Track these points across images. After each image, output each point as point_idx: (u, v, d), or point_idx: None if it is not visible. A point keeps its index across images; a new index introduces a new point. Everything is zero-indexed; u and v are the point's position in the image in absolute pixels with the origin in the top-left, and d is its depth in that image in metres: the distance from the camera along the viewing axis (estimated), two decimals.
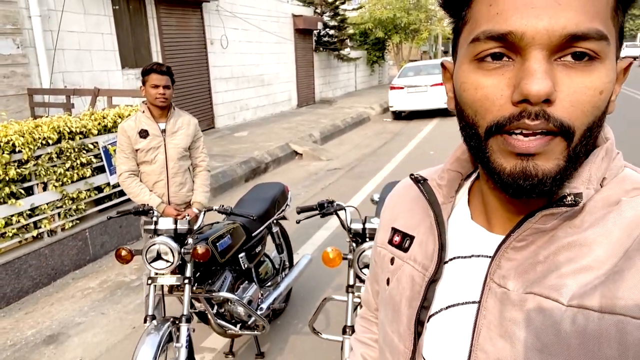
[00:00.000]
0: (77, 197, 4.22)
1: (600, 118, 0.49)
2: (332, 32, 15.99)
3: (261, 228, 2.88)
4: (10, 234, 3.67)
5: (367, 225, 1.98)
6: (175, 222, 2.19)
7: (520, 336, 0.50)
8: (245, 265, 2.70)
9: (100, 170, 4.48)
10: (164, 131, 2.87)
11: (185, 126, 2.95)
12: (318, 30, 15.08)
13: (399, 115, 12.42)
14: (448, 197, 0.64)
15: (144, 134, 2.84)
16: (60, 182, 4.03)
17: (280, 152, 7.98)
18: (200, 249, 2.13)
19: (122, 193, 4.72)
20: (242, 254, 2.69)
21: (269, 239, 3.16)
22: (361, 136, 10.40)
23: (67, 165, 4.09)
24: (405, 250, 0.67)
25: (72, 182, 4.16)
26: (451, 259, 0.61)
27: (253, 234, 2.80)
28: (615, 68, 0.49)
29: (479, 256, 0.58)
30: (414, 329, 0.62)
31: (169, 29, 8.73)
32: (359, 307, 2.25)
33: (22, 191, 3.75)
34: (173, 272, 2.18)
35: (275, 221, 3.12)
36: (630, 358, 0.44)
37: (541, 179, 0.47)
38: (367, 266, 1.92)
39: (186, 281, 2.19)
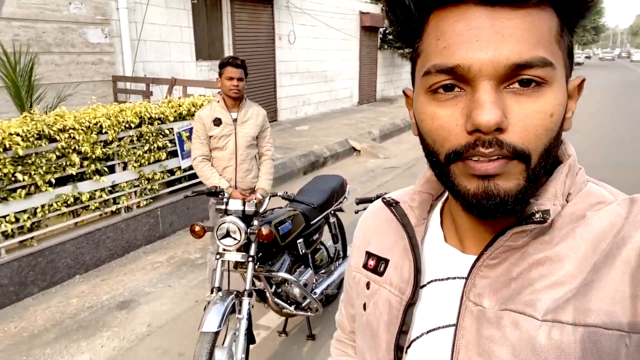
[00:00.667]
0: (152, 178, 4.57)
1: (556, 138, 0.50)
2: None
3: (319, 217, 3.03)
4: (93, 207, 4.07)
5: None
6: (244, 204, 2.38)
7: (498, 353, 0.51)
8: (303, 251, 2.86)
9: (173, 154, 4.82)
10: (235, 120, 3.08)
11: (254, 116, 3.15)
12: (384, 28, 15.04)
13: None
14: (420, 219, 0.65)
15: (217, 122, 3.07)
16: (139, 163, 4.40)
17: (339, 148, 8.12)
18: (265, 230, 2.31)
19: (191, 177, 5.06)
20: (301, 240, 2.85)
21: (325, 228, 3.31)
22: None
23: (145, 148, 4.45)
24: (381, 274, 0.67)
25: (149, 163, 4.51)
26: (428, 282, 0.61)
27: (312, 222, 2.95)
28: (565, 89, 0.51)
29: (455, 278, 0.59)
30: (394, 354, 0.61)
31: (241, 24, 9.11)
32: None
33: (106, 169, 4.14)
34: (239, 250, 2.38)
35: (332, 212, 3.26)
36: None
37: (503, 198, 0.49)
38: None
39: (250, 259, 2.38)
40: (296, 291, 2.64)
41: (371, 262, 0.69)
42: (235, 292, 2.31)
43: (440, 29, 0.50)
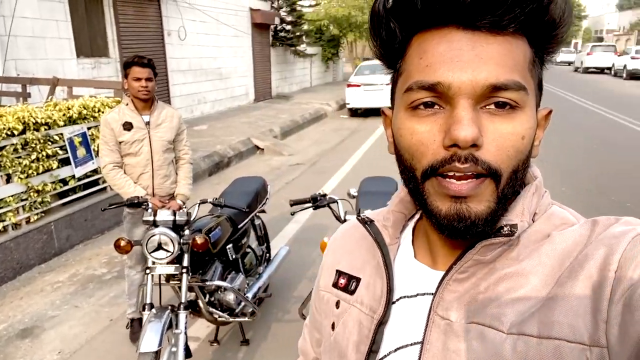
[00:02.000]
0: (43, 190, 4.11)
1: (524, 161, 0.53)
2: (288, 27, 16.05)
3: (246, 220, 2.99)
4: None
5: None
6: (174, 214, 2.26)
7: None
8: (233, 256, 2.81)
9: (65, 162, 4.37)
10: (148, 123, 2.91)
11: (169, 119, 3.00)
12: (275, 25, 15.09)
13: (355, 112, 12.73)
14: (394, 238, 0.66)
15: (128, 126, 2.86)
16: (25, 174, 3.92)
17: (242, 147, 8.02)
18: (200, 239, 2.22)
19: (88, 185, 4.65)
20: (230, 245, 2.80)
21: (252, 231, 3.28)
22: (320, 132, 10.60)
23: (32, 157, 3.98)
24: (352, 292, 0.66)
25: (38, 174, 4.05)
26: (397, 299, 0.61)
27: (239, 226, 2.90)
28: (536, 116, 0.54)
29: (424, 294, 0.59)
30: None
31: (126, 18, 8.50)
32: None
33: None
34: (171, 262, 2.26)
35: (257, 214, 3.24)
36: None
37: (474, 221, 0.51)
38: None
39: (184, 270, 2.27)
40: (230, 298, 2.59)
41: (342, 281, 0.69)
42: (170, 307, 2.20)
43: (422, 49, 0.52)
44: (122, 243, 2.21)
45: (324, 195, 2.28)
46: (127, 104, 2.88)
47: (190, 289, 2.49)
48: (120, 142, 2.86)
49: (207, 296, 2.57)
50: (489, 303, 0.53)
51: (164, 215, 2.26)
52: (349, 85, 12.38)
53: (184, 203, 3.03)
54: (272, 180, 6.67)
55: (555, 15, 0.50)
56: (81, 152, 4.51)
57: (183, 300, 2.24)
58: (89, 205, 4.65)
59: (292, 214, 2.29)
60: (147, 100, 2.88)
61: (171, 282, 2.35)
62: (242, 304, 2.64)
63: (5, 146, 3.75)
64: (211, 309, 2.53)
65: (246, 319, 2.67)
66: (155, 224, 2.25)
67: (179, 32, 10.06)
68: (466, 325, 0.53)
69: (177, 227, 2.28)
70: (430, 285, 0.59)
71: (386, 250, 0.64)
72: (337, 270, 0.71)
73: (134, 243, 2.24)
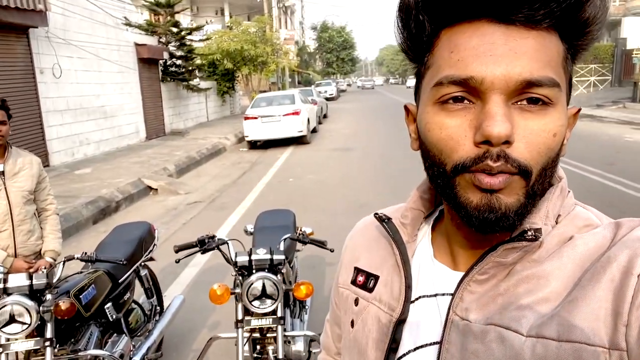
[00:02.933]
0: None
1: (554, 159, 0.52)
2: (179, 62, 15.62)
3: (128, 273, 2.65)
4: None
5: (254, 257, 1.97)
6: (31, 277, 1.89)
7: None
8: (113, 317, 2.45)
9: None
10: (2, 173, 2.49)
11: (27, 166, 2.61)
12: (164, 60, 14.59)
13: (254, 145, 12.59)
14: (412, 236, 0.66)
15: None
16: None
17: (133, 189, 7.44)
18: (64, 305, 1.88)
19: None
20: (109, 304, 2.43)
21: (137, 284, 2.92)
22: (219, 167, 10.27)
23: None
24: (370, 290, 0.67)
25: None
26: (416, 299, 0.61)
27: (120, 280, 2.56)
28: (567, 114, 0.53)
29: (443, 294, 0.59)
30: None
31: None
32: (289, 342, 2.17)
33: None
34: (30, 335, 1.88)
35: (142, 264, 2.90)
36: None
37: (504, 212, 0.50)
38: (256, 298, 1.91)
39: (47, 343, 1.89)
40: None
41: (360, 278, 0.69)
42: None
43: (453, 43, 0.51)
44: None
45: (212, 236, 2.08)
46: None
47: None
48: None
49: None
50: (508, 305, 0.52)
51: (18, 280, 1.88)
52: (246, 118, 12.26)
53: (54, 260, 2.62)
54: (168, 222, 6.23)
55: (590, 12, 0.49)
56: None
57: None
58: None
59: (177, 261, 2.05)
60: (1, 146, 2.48)
61: (32, 359, 1.95)
62: None
63: None
64: None
65: None
66: (6, 291, 1.87)
67: (53, 69, 9.24)
68: (485, 326, 0.52)
69: (35, 293, 1.91)
70: (450, 285, 0.58)
71: (404, 249, 0.63)
72: (356, 268, 0.70)
73: None
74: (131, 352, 2.52)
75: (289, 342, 2.24)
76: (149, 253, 2.91)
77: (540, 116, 0.49)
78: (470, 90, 0.50)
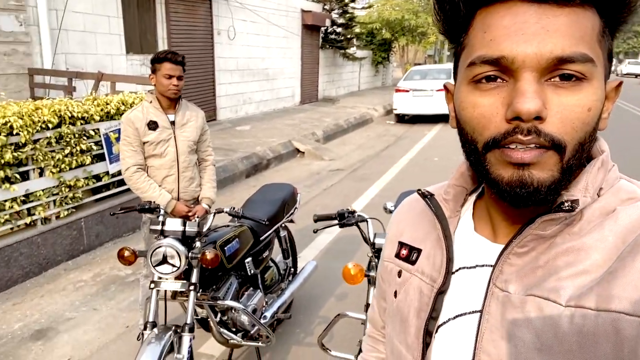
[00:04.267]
0: (75, 185, 4.05)
1: (591, 133, 0.52)
2: (339, 29, 15.83)
3: (269, 232, 2.74)
4: (2, 220, 3.51)
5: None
6: (184, 224, 2.04)
7: (521, 336, 0.52)
8: (252, 271, 2.56)
9: (99, 158, 4.31)
10: (173, 123, 2.72)
11: (194, 118, 2.81)
12: (325, 27, 14.91)
13: (402, 119, 12.30)
14: (454, 211, 0.67)
15: (153, 125, 2.68)
16: (58, 169, 3.87)
17: (283, 149, 7.84)
18: (210, 255, 1.98)
19: (121, 182, 4.56)
20: (249, 259, 2.55)
21: (275, 243, 3.02)
22: (364, 137, 10.27)
23: (66, 151, 3.92)
24: (413, 262, 0.69)
25: (70, 169, 3.99)
26: (457, 270, 0.63)
27: (261, 238, 2.65)
28: (604, 87, 0.53)
29: (482, 266, 0.60)
30: (422, 339, 0.63)
31: (177, 16, 8.55)
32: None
33: (18, 176, 3.59)
34: (178, 277, 2.03)
35: (283, 225, 2.97)
36: (625, 353, 0.47)
37: (536, 187, 0.51)
38: None
39: (191, 287, 2.04)
40: (244, 319, 2.34)
41: (404, 252, 0.72)
42: (173, 328, 1.97)
43: (486, 23, 0.52)
44: (126, 253, 2.00)
45: (353, 212, 1.99)
46: (151, 102, 2.70)
47: (200, 305, 2.26)
48: (144, 143, 2.68)
49: (219, 315, 2.33)
50: (548, 277, 0.53)
51: (173, 224, 2.03)
52: (397, 90, 11.97)
53: (209, 207, 2.82)
54: (310, 185, 6.43)
55: None
56: (117, 148, 4.43)
57: (188, 321, 2.00)
58: (122, 202, 4.57)
59: (315, 231, 2.01)
60: (175, 99, 2.70)
61: (178, 298, 2.12)
62: (257, 327, 2.38)
63: (39, 139, 3.71)
64: (222, 330, 2.29)
65: (260, 343, 2.40)
66: (163, 233, 2.03)
67: (228, 31, 10.05)
68: (524, 297, 0.53)
69: (186, 239, 2.05)
70: (490, 257, 0.60)
71: (445, 224, 0.66)
72: (400, 242, 0.73)
73: (138, 254, 2.03)
74: (263, 308, 2.62)
75: None
76: (289, 215, 2.97)
77: (574, 92, 0.50)
78: (503, 69, 0.51)
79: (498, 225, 0.61)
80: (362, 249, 4.22)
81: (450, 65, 13.98)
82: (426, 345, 0.63)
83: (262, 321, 2.47)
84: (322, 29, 14.86)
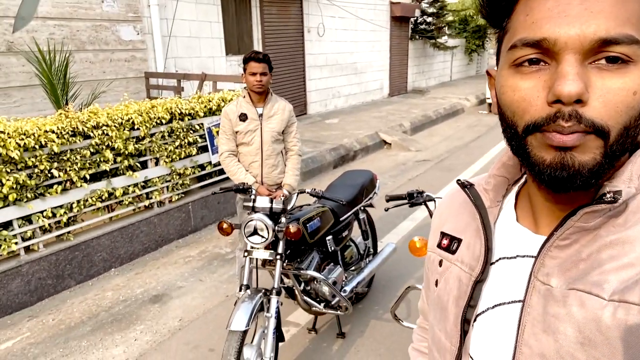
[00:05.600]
0: (183, 173, 4.63)
1: (637, 118, 0.50)
2: (429, 19, 15.52)
3: (349, 213, 2.97)
4: (127, 202, 4.15)
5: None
6: (271, 202, 2.35)
7: (563, 330, 0.52)
8: (332, 248, 2.82)
9: (203, 149, 4.85)
10: (261, 115, 3.06)
11: (280, 111, 3.12)
12: (415, 18, 14.73)
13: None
14: (494, 201, 0.67)
15: (243, 117, 3.05)
16: (170, 159, 4.45)
17: (369, 141, 8.02)
18: (293, 228, 2.27)
19: (221, 171, 5.09)
20: (330, 237, 2.81)
21: (355, 225, 3.25)
22: (453, 128, 10.09)
23: (177, 143, 4.50)
24: (453, 252, 0.70)
25: (180, 159, 4.57)
26: (497, 260, 0.63)
27: (341, 219, 2.90)
28: None
29: (524, 256, 0.60)
30: (461, 326, 0.65)
31: (270, 17, 9.09)
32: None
33: (138, 165, 4.21)
34: (267, 248, 2.35)
35: (362, 208, 3.20)
36: None
37: (578, 169, 0.50)
38: None
39: (278, 257, 2.35)
40: (325, 289, 2.61)
41: (445, 242, 0.73)
42: (263, 290, 2.30)
43: (529, 6, 0.52)
44: (224, 225, 2.36)
45: (421, 192, 2.15)
46: (244, 97, 3.07)
47: (287, 275, 2.56)
48: (236, 132, 3.06)
49: (303, 285, 2.62)
50: (591, 270, 0.52)
51: (262, 202, 2.36)
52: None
53: (289, 193, 3.13)
54: (396, 175, 6.56)
55: None
56: (218, 140, 4.96)
57: (275, 286, 2.31)
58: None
59: (387, 209, 2.20)
60: (261, 93, 3.04)
61: (267, 266, 2.44)
62: (337, 297, 2.64)
63: (155, 133, 4.30)
64: (306, 298, 2.58)
65: (339, 312, 2.65)
66: (254, 209, 2.36)
67: (318, 28, 10.43)
68: (566, 291, 0.53)
69: (274, 215, 2.36)
70: (531, 248, 0.59)
71: (485, 213, 0.66)
72: (442, 232, 0.74)
73: (234, 226, 2.38)
74: (343, 282, 2.87)
75: None
76: (368, 199, 3.18)
77: (619, 75, 0.48)
78: (545, 52, 0.50)
79: (540, 215, 0.61)
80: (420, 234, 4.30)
81: None
82: (464, 333, 0.64)
83: (342, 293, 2.72)
84: (412, 19, 14.70)
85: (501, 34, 0.58)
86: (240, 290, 2.35)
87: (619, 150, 0.50)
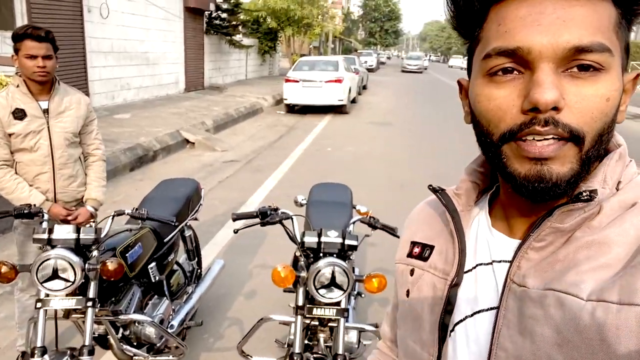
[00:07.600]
0: None
1: (610, 125, 0.51)
2: (224, 15, 15.27)
3: (174, 232, 2.49)
4: None
5: (324, 239, 1.74)
6: (78, 231, 1.72)
7: (540, 332, 0.51)
8: (156, 278, 2.30)
9: None
10: (46, 111, 2.31)
11: (75, 106, 2.43)
12: (210, 12, 14.28)
13: (292, 109, 12.31)
14: (466, 206, 0.66)
15: (19, 114, 2.26)
16: None
17: (170, 140, 7.33)
18: (112, 265, 1.71)
19: None
20: (153, 264, 2.28)
21: (180, 244, 2.77)
22: (255, 127, 10.07)
23: None
24: (425, 259, 0.68)
25: None
26: (473, 267, 0.62)
27: (165, 240, 2.40)
28: (621, 78, 0.52)
29: (499, 262, 0.59)
30: (438, 334, 0.62)
31: None
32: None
33: None
34: (71, 293, 1.73)
35: (188, 224, 2.73)
36: None
37: (555, 182, 0.50)
38: (323, 287, 1.69)
39: (89, 304, 1.75)
40: (150, 331, 2.09)
41: (416, 250, 0.71)
42: (69, 352, 1.68)
43: (501, 16, 0.52)
44: (3, 269, 1.64)
45: (275, 209, 1.86)
46: (18, 86, 2.27)
47: (99, 322, 1.96)
48: (10, 135, 2.24)
49: (121, 330, 2.05)
50: (567, 271, 0.51)
51: (64, 232, 1.71)
52: (287, 80, 11.93)
53: (96, 210, 2.46)
54: (204, 177, 6.11)
55: None
56: None
57: (87, 343, 1.71)
58: None
59: (236, 231, 1.85)
60: (44, 83, 2.29)
61: (72, 317, 1.81)
62: (165, 337, 2.15)
63: None
64: (125, 347, 2.02)
65: (170, 357, 2.17)
66: (50, 243, 1.70)
67: (100, 9, 9.07)
68: (543, 292, 0.52)
69: (81, 248, 1.74)
70: (506, 252, 0.59)
71: (457, 217, 0.65)
72: (412, 242, 0.72)
73: (19, 269, 1.67)
74: (170, 317, 2.37)
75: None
76: (194, 213, 2.74)
77: (592, 82, 0.49)
78: (519, 61, 0.50)
79: (513, 219, 0.60)
80: (266, 242, 4.11)
81: (336, 58, 14.34)
82: (442, 340, 0.62)
83: (169, 330, 2.24)
84: (206, 13, 14.20)
85: (473, 45, 0.57)
86: (33, 355, 1.66)
87: (594, 157, 0.51)
